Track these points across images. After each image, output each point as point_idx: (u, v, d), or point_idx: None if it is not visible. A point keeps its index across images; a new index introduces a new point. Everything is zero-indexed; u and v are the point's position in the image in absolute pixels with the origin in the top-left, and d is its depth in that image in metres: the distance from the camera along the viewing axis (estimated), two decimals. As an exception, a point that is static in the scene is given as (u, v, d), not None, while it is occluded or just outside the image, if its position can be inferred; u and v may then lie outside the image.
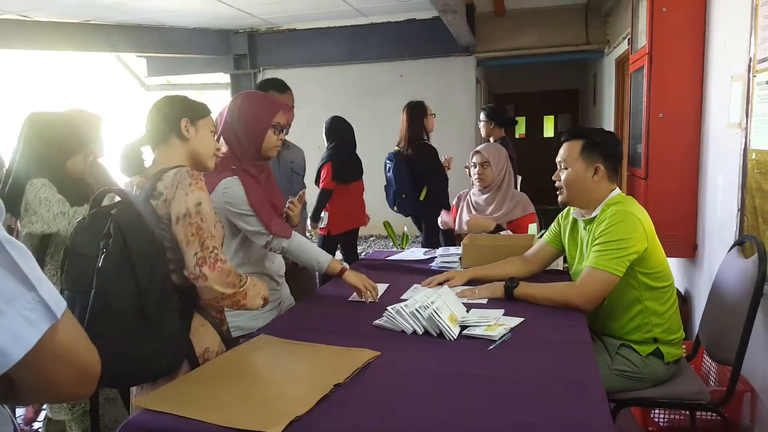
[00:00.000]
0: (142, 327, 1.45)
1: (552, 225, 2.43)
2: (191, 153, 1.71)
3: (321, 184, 4.04)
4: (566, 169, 2.15)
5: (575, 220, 2.26)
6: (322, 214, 4.09)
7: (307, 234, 3.96)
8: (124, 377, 1.51)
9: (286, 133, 2.23)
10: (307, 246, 2.13)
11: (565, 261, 2.63)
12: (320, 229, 4.12)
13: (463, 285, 2.31)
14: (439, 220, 3.55)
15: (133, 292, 1.45)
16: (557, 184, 2.19)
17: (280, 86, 2.87)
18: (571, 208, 2.29)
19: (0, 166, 3.09)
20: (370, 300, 2.11)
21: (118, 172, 1.78)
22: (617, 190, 2.14)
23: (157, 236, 1.55)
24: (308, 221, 4.02)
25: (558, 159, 2.19)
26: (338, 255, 4.23)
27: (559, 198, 2.21)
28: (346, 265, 2.21)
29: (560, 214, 2.40)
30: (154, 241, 1.52)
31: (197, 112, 1.72)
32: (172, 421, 1.26)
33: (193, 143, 1.70)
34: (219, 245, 1.60)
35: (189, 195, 1.55)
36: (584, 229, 2.19)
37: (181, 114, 1.68)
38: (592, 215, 2.12)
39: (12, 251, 0.61)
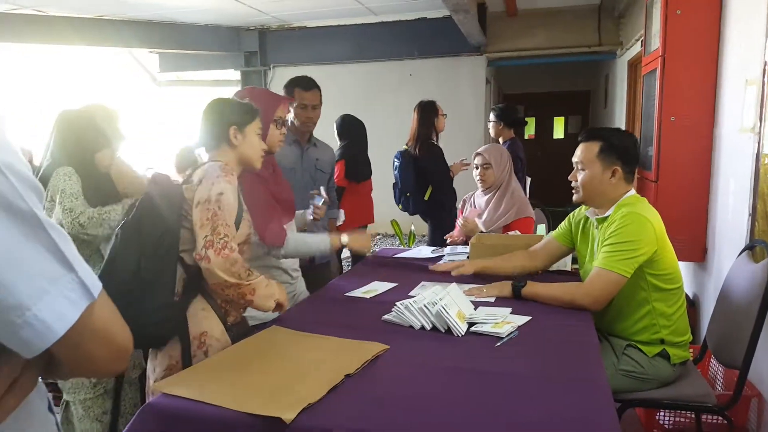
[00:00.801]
0: (135, 289, 1.57)
1: (563, 222, 2.44)
2: (240, 157, 1.84)
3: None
4: (583, 170, 2.15)
5: (587, 219, 2.27)
6: (340, 212, 4.10)
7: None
8: None
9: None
10: (304, 243, 2.19)
11: (573, 262, 2.64)
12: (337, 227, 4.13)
13: (472, 280, 2.33)
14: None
15: (135, 258, 1.59)
16: (573, 184, 2.20)
17: (305, 83, 2.87)
18: (584, 207, 2.30)
19: (28, 159, 3.14)
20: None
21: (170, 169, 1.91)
22: (632, 191, 2.14)
23: (174, 215, 1.67)
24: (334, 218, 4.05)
25: (575, 159, 2.19)
26: (345, 252, 4.25)
27: (574, 197, 2.21)
28: (345, 237, 2.29)
29: (572, 213, 2.40)
30: (168, 218, 1.65)
31: (245, 117, 1.83)
32: (189, 405, 1.29)
33: (241, 149, 1.83)
34: (232, 236, 1.65)
35: (215, 185, 1.65)
36: (596, 228, 2.19)
37: (229, 122, 1.80)
38: (605, 215, 2.13)
39: (53, 234, 0.65)
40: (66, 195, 2.18)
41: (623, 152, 2.11)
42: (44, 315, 0.62)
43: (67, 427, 2.37)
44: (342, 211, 4.10)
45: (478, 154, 3.18)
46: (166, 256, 1.63)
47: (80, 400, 2.25)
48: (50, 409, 0.81)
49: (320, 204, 2.42)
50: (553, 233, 2.46)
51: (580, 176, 2.16)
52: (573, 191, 2.21)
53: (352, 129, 4.17)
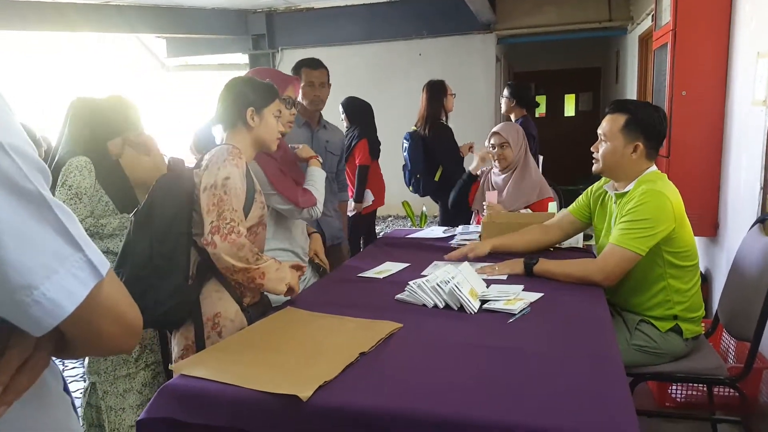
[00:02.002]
0: (150, 275, 1.61)
1: (580, 196, 2.43)
2: (256, 138, 1.84)
3: (358, 161, 4.09)
4: (605, 142, 2.14)
5: (605, 193, 2.27)
6: (367, 193, 4.15)
7: (349, 212, 4.02)
8: None
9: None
10: (313, 182, 2.28)
11: (585, 239, 2.65)
12: (364, 208, 4.17)
13: (484, 258, 2.34)
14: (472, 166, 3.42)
15: (148, 243, 1.63)
16: (594, 154, 2.19)
17: (312, 62, 2.93)
18: (603, 181, 2.30)
19: (38, 145, 3.18)
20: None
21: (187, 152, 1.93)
22: (653, 168, 2.13)
23: (186, 199, 1.69)
24: (350, 202, 4.08)
25: (599, 131, 2.17)
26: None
27: (594, 167, 2.20)
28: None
29: (590, 188, 2.39)
30: (179, 202, 1.68)
31: (263, 99, 1.83)
32: (207, 386, 1.32)
33: (257, 131, 1.83)
34: (239, 221, 1.67)
35: (221, 169, 1.66)
36: (615, 203, 2.19)
37: (247, 103, 1.80)
38: (625, 190, 2.12)
39: (60, 214, 0.66)
40: (71, 192, 2.19)
41: (648, 128, 2.08)
42: (53, 294, 0.63)
43: (90, 411, 2.44)
44: (369, 192, 4.15)
45: (495, 133, 3.12)
46: (178, 240, 1.66)
47: (123, 375, 2.32)
48: (66, 390, 0.82)
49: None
50: (569, 208, 2.46)
51: (602, 147, 2.15)
52: (593, 161, 2.20)
53: (363, 110, 4.22)
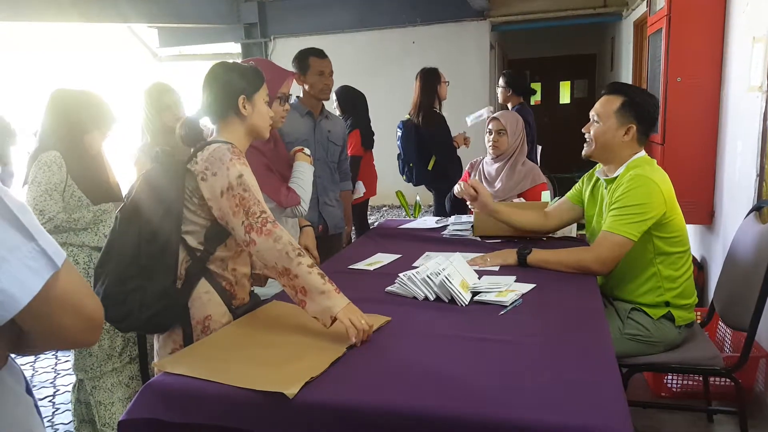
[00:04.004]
0: (135, 276, 1.55)
1: (577, 183, 2.41)
2: (249, 128, 1.73)
3: (350, 152, 4.04)
4: (598, 123, 2.11)
5: (597, 179, 2.25)
6: (359, 184, 4.11)
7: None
8: (111, 319, 1.58)
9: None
10: (299, 181, 2.21)
11: (579, 228, 2.62)
12: (355, 199, 4.13)
13: (476, 250, 2.32)
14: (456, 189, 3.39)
15: (135, 242, 1.56)
16: (586, 136, 2.16)
17: (319, 52, 2.92)
18: (596, 167, 2.27)
19: (11, 135, 3.15)
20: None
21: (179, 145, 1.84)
22: (642, 153, 2.11)
23: (176, 197, 1.60)
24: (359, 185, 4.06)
25: (592, 112, 2.15)
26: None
27: (584, 150, 2.18)
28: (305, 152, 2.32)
29: (585, 175, 2.37)
30: (168, 200, 1.59)
31: (252, 84, 1.70)
32: (191, 383, 1.29)
33: (250, 119, 1.71)
34: (269, 211, 1.58)
35: (230, 169, 1.56)
36: (605, 188, 2.17)
37: (237, 91, 1.67)
38: (614, 175, 2.10)
39: (9, 203, 0.64)
40: (41, 189, 2.15)
41: (642, 112, 2.06)
42: (4, 284, 0.61)
43: (80, 407, 2.42)
44: (361, 183, 4.11)
45: (494, 119, 3.08)
46: (167, 241, 1.57)
47: (110, 370, 2.30)
48: (28, 391, 0.80)
49: None
50: (567, 194, 2.44)
51: (594, 128, 2.12)
52: (584, 143, 2.18)
53: (357, 100, 4.19)
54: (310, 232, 2.44)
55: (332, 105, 4.19)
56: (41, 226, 0.68)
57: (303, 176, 2.23)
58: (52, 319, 0.68)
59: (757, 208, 2.20)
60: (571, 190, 2.43)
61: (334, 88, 4.21)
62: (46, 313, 0.67)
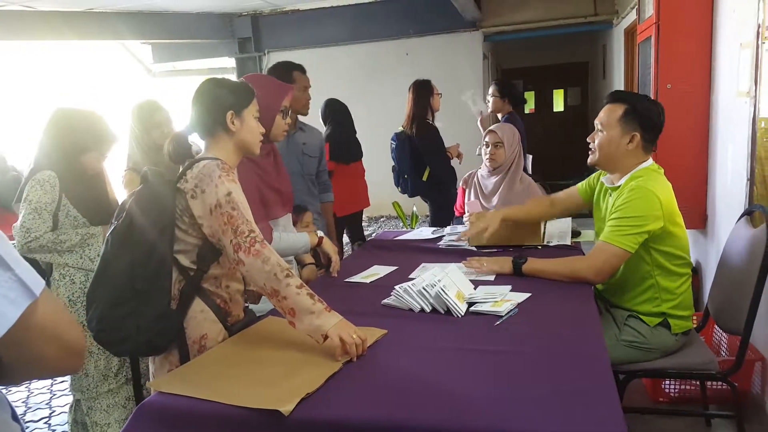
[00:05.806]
0: (130, 300, 1.53)
1: (591, 176, 2.40)
2: (238, 144, 1.71)
3: None
4: (602, 131, 2.11)
5: (603, 185, 2.26)
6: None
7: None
8: (108, 343, 1.58)
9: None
10: (287, 241, 2.13)
11: (573, 236, 2.64)
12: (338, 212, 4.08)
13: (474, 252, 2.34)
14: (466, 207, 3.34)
15: (128, 265, 1.54)
16: (591, 145, 2.16)
17: (301, 67, 2.92)
18: (602, 173, 2.28)
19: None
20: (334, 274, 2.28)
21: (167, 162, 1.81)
22: (648, 162, 2.10)
23: (167, 217, 1.58)
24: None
25: (596, 121, 2.15)
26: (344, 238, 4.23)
27: (590, 158, 2.18)
28: (321, 233, 2.27)
29: (593, 175, 2.38)
30: (160, 221, 1.57)
31: (242, 100, 1.69)
32: (186, 403, 1.29)
33: (239, 135, 1.69)
34: (257, 230, 1.56)
35: (219, 186, 1.55)
36: (609, 196, 2.18)
37: (226, 106, 1.66)
38: (618, 184, 2.11)
39: None
40: (30, 207, 2.15)
41: (646, 119, 2.06)
42: None
43: (77, 428, 2.41)
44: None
45: (491, 131, 3.08)
46: (161, 263, 1.56)
47: (105, 391, 2.29)
48: (15, 418, 0.78)
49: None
50: (577, 185, 2.46)
51: (598, 137, 2.13)
52: (589, 152, 2.18)
53: (334, 111, 4.04)
54: (312, 269, 2.42)
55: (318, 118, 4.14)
56: (19, 256, 0.67)
57: (292, 239, 2.16)
58: (32, 348, 0.68)
59: (748, 212, 2.22)
60: (582, 183, 2.44)
61: (324, 100, 4.20)
62: (26, 342, 0.66)
